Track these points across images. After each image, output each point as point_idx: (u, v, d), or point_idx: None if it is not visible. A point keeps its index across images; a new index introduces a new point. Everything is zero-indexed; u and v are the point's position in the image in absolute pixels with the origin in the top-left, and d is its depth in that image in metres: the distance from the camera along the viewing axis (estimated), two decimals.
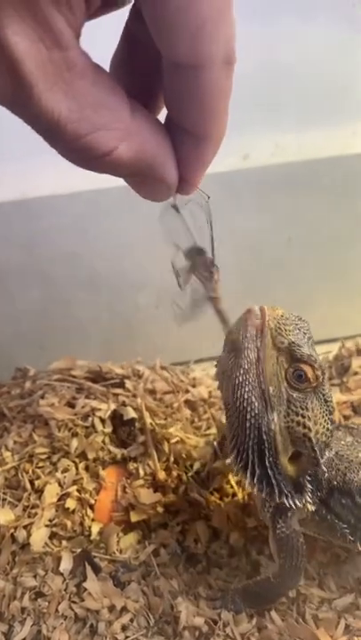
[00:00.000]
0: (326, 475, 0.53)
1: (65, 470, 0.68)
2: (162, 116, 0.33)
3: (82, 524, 0.65)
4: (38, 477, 0.68)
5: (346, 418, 0.76)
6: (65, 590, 0.60)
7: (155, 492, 0.67)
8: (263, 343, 0.48)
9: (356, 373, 0.81)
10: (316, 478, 0.52)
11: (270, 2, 0.72)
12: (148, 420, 0.73)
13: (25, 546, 0.62)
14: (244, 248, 0.84)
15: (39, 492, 0.67)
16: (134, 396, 0.77)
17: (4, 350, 0.84)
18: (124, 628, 0.57)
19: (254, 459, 0.49)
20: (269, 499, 0.51)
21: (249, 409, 0.48)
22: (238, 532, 0.65)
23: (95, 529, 0.64)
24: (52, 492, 0.66)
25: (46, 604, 0.59)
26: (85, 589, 0.59)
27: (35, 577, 0.61)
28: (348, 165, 0.83)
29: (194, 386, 0.81)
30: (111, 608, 0.58)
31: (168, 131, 0.31)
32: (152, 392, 0.79)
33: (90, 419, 0.73)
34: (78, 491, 0.67)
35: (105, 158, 0.28)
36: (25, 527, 0.64)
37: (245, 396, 0.48)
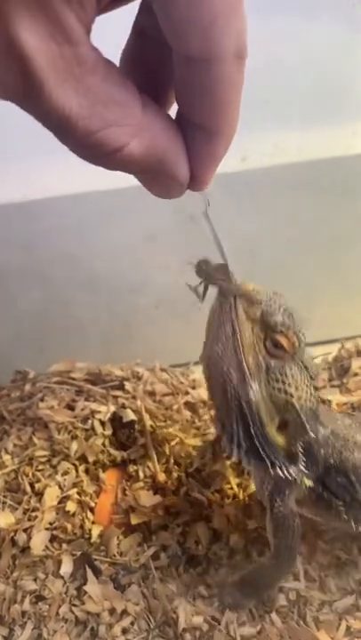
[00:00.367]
0: (323, 452, 0.53)
1: (65, 473, 0.68)
2: (172, 111, 0.32)
3: (82, 526, 0.65)
4: (38, 480, 0.68)
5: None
6: (65, 593, 0.60)
7: (155, 494, 0.67)
8: (237, 315, 0.48)
9: (356, 374, 0.81)
10: (311, 453, 0.53)
11: (269, 1, 0.72)
12: (148, 422, 0.73)
13: (25, 549, 0.62)
14: (243, 250, 0.84)
15: (39, 495, 0.67)
16: (134, 397, 0.77)
17: (4, 353, 0.84)
18: (124, 631, 0.57)
19: (239, 430, 0.49)
20: (263, 473, 0.52)
21: (228, 380, 0.49)
22: (239, 534, 0.64)
23: (95, 532, 0.64)
24: (52, 495, 0.66)
25: (47, 607, 0.59)
26: (86, 592, 0.59)
27: (35, 580, 0.61)
28: (348, 166, 0.83)
29: (194, 387, 0.81)
30: (112, 611, 0.58)
31: (179, 127, 0.31)
32: (152, 394, 0.79)
33: (89, 421, 0.73)
34: (78, 493, 0.67)
35: (116, 155, 0.28)
36: (25, 530, 0.63)
37: (224, 368, 0.49)
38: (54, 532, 0.64)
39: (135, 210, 0.77)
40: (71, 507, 0.65)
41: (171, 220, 0.79)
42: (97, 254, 0.82)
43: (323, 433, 0.54)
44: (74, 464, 0.69)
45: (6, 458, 0.70)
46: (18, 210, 0.76)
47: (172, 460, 0.70)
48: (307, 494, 0.55)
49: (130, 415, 0.73)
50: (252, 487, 0.68)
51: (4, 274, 0.81)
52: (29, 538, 0.63)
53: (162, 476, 0.68)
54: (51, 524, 0.65)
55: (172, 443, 0.72)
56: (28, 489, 0.67)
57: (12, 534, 0.63)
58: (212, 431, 0.75)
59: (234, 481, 0.69)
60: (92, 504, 0.66)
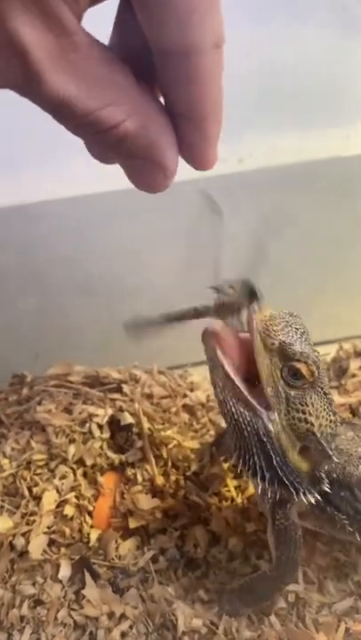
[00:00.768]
0: (326, 467, 0.53)
1: (63, 477, 0.68)
2: None
3: (80, 530, 0.65)
4: (36, 484, 0.68)
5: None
6: (64, 598, 0.60)
7: (153, 497, 0.67)
8: (255, 346, 0.48)
9: (354, 375, 0.81)
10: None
11: (264, 4, 0.72)
12: (146, 425, 0.73)
13: (23, 553, 0.62)
14: (241, 251, 0.84)
15: (37, 499, 0.66)
16: (132, 400, 0.77)
17: (2, 356, 0.84)
18: (123, 635, 0.57)
19: (261, 463, 0.50)
20: (265, 485, 0.51)
21: (241, 419, 0.49)
22: (237, 537, 0.64)
23: (94, 535, 0.64)
24: (50, 499, 0.66)
25: (45, 611, 0.58)
26: (84, 596, 0.59)
27: (33, 585, 0.60)
28: (345, 167, 0.83)
29: (192, 390, 0.81)
30: (110, 615, 0.58)
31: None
32: (149, 397, 0.79)
33: (87, 425, 0.72)
34: (76, 497, 0.67)
35: (112, 131, 0.29)
36: (23, 534, 0.63)
37: (233, 410, 0.49)
38: (52, 536, 0.64)
39: (132, 212, 0.77)
40: (69, 511, 0.65)
41: (168, 222, 0.79)
42: (94, 257, 0.82)
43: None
44: (72, 468, 0.69)
45: (4, 462, 0.70)
46: (15, 213, 0.76)
47: (170, 463, 0.70)
48: (309, 508, 0.55)
49: (128, 418, 0.72)
50: (251, 490, 0.68)
51: (2, 277, 0.81)
52: (27, 542, 0.62)
53: (160, 480, 0.68)
54: (49, 528, 0.64)
55: (170, 445, 0.72)
56: (26, 493, 0.67)
57: (11, 538, 0.63)
58: (210, 433, 0.75)
59: (232, 484, 0.69)
60: (91, 508, 0.66)
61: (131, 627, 0.57)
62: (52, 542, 0.64)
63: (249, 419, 0.49)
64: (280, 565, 0.56)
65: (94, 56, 0.28)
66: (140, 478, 0.69)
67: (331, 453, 0.50)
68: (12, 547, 0.63)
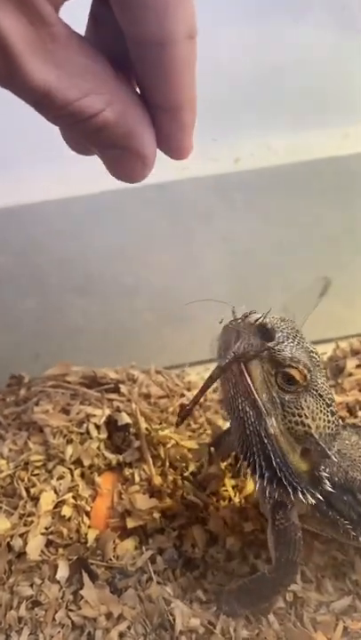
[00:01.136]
0: (328, 471, 0.53)
1: (60, 477, 0.68)
2: None
3: (78, 531, 0.64)
4: (34, 485, 0.67)
5: (341, 419, 0.76)
6: (62, 598, 0.60)
7: (151, 497, 0.67)
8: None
9: (350, 374, 0.81)
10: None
11: (263, 3, 0.72)
12: (143, 425, 0.73)
13: (21, 554, 0.62)
14: (237, 252, 0.84)
15: (35, 499, 0.66)
16: (129, 400, 0.77)
17: (1, 357, 0.84)
18: (121, 636, 0.57)
19: (261, 462, 0.50)
20: (265, 486, 0.52)
21: (245, 418, 0.50)
22: (235, 537, 0.64)
23: (91, 536, 0.64)
24: (47, 500, 0.66)
25: (43, 612, 0.58)
26: (82, 597, 0.59)
27: (31, 586, 0.60)
28: (341, 166, 0.83)
29: (189, 389, 0.81)
30: (108, 615, 0.58)
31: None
32: (147, 397, 0.79)
33: (85, 425, 0.72)
34: (74, 498, 0.67)
35: (92, 120, 0.30)
36: (21, 535, 0.63)
37: (240, 407, 0.50)
38: (50, 537, 0.64)
39: (131, 212, 0.77)
40: (67, 511, 0.65)
41: (166, 222, 0.79)
42: (91, 257, 0.82)
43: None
44: (69, 468, 0.69)
45: (2, 463, 0.70)
46: (11, 215, 0.76)
47: (167, 463, 0.70)
48: (310, 511, 0.55)
49: (125, 418, 0.72)
50: (248, 490, 0.68)
51: (1, 278, 0.81)
52: (25, 543, 0.62)
53: (157, 479, 0.68)
54: (46, 528, 0.64)
55: (168, 445, 0.72)
56: (24, 494, 0.67)
57: (8, 539, 0.63)
58: (207, 433, 0.75)
59: (230, 483, 0.69)
60: (88, 508, 0.66)
61: (129, 627, 0.57)
62: (49, 543, 0.64)
63: (253, 419, 0.49)
64: (279, 567, 0.55)
65: (73, 46, 0.29)
66: (137, 478, 0.69)
67: (330, 453, 0.51)
68: (9, 548, 0.63)
